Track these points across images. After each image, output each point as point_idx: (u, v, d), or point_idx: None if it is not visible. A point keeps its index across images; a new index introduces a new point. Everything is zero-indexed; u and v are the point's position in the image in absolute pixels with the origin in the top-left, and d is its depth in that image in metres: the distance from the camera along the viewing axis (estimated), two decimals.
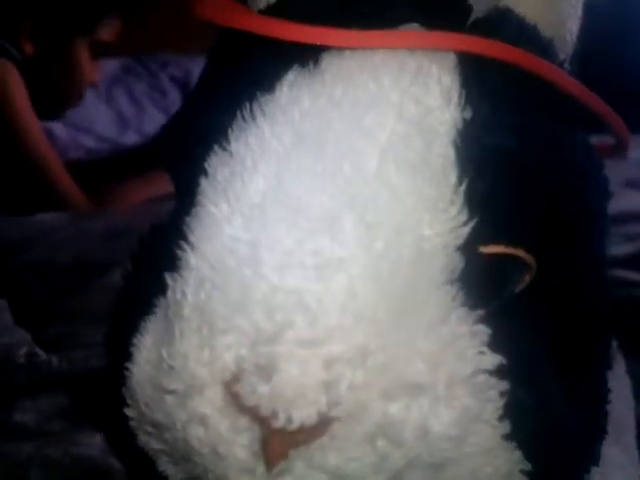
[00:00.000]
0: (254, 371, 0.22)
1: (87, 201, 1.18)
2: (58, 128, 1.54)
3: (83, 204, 1.17)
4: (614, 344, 0.42)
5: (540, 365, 0.25)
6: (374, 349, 0.22)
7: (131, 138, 1.67)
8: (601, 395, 0.28)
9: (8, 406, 0.60)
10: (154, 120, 1.70)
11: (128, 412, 0.26)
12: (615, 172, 1.07)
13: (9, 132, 1.16)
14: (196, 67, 1.84)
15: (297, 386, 0.21)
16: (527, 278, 0.26)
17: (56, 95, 1.27)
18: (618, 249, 0.88)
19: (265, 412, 0.22)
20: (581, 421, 0.26)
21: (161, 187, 1.22)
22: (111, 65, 1.67)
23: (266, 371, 0.21)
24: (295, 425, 0.21)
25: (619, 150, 0.31)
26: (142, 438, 0.26)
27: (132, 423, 0.26)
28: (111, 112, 1.73)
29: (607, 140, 0.32)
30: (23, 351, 0.67)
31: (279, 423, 0.22)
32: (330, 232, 0.22)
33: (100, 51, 1.27)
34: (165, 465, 0.26)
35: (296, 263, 0.22)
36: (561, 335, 0.27)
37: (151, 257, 0.28)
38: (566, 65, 0.28)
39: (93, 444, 0.56)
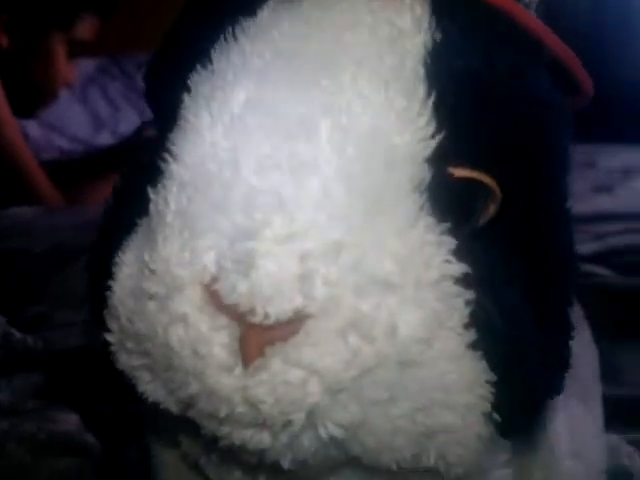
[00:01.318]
0: (233, 268, 0.23)
1: (61, 199, 1.18)
2: (32, 128, 1.53)
3: (57, 201, 1.17)
4: (579, 310, 0.44)
5: (506, 282, 0.26)
6: (346, 246, 0.23)
7: (106, 139, 1.66)
8: (564, 328, 0.29)
9: None
10: (129, 120, 1.70)
11: (109, 337, 0.27)
12: (585, 179, 1.12)
13: None
14: None
15: (274, 282, 0.22)
16: (492, 208, 0.27)
17: (31, 92, 1.26)
18: (587, 247, 0.93)
19: (243, 308, 0.23)
20: (545, 344, 0.27)
21: None
22: (86, 65, 1.67)
23: (244, 268, 0.22)
24: (272, 320, 0.22)
25: (580, 98, 0.32)
26: (123, 359, 0.27)
27: (113, 348, 0.27)
28: (86, 112, 1.73)
29: None
30: None
31: (257, 319, 0.22)
32: (305, 137, 0.24)
33: (77, 50, 1.27)
34: (145, 384, 0.27)
35: (273, 165, 0.23)
36: (525, 266, 0.28)
37: (130, 183, 0.28)
38: (531, 9, 0.30)
39: (68, 421, 0.56)
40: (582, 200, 1.14)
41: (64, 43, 1.22)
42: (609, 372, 0.64)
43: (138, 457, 0.52)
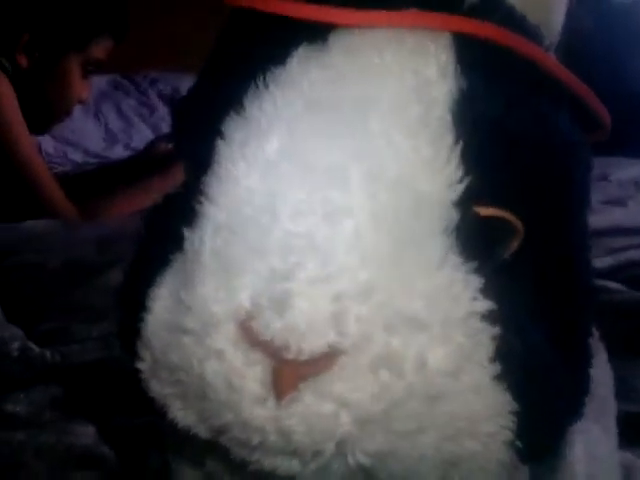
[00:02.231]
0: (268, 306, 0.24)
1: (76, 212, 1.19)
2: (46, 142, 1.55)
3: (72, 215, 1.18)
4: (596, 334, 0.44)
5: (528, 318, 0.27)
6: (377, 286, 0.24)
7: (119, 153, 1.69)
8: (585, 357, 0.30)
9: (1, 397, 0.61)
10: (142, 135, 1.72)
11: (140, 365, 0.28)
12: (598, 192, 1.12)
13: (0, 142, 1.16)
14: (184, 84, 1.87)
15: (308, 320, 0.23)
16: (515, 243, 0.28)
17: (45, 110, 1.28)
18: (600, 261, 0.93)
19: (278, 344, 0.24)
20: (566, 375, 0.28)
21: (148, 199, 1.23)
22: (100, 81, 1.69)
23: (280, 307, 0.24)
24: (305, 356, 0.24)
25: (599, 133, 0.33)
26: (154, 387, 0.28)
27: (144, 375, 0.28)
28: (99, 127, 1.75)
29: None
30: (16, 345, 0.69)
31: (291, 355, 0.24)
32: (338, 183, 0.25)
33: (91, 69, 1.29)
34: (176, 411, 0.28)
35: (308, 211, 0.24)
36: (547, 299, 0.29)
37: (164, 220, 0.30)
38: (551, 51, 0.31)
39: (85, 434, 0.57)
40: (595, 213, 1.12)
41: (79, 63, 1.24)
42: (621, 388, 0.64)
43: (156, 471, 0.53)
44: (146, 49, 1.74)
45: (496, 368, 0.25)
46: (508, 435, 0.26)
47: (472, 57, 0.28)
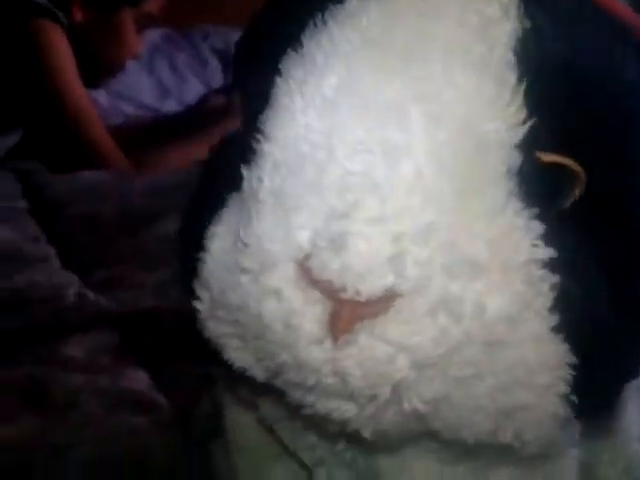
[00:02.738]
0: (326, 246, 0.23)
1: (129, 164, 1.20)
2: (99, 95, 1.56)
3: (125, 166, 1.19)
4: None
5: (590, 268, 0.27)
6: (438, 228, 0.23)
7: (171, 106, 1.69)
8: None
9: (59, 341, 0.63)
10: (194, 90, 1.72)
11: (198, 305, 0.28)
12: None
13: (54, 92, 1.17)
14: (236, 38, 1.86)
15: (366, 261, 0.23)
16: (577, 192, 0.27)
17: (99, 64, 1.29)
18: None
19: (335, 285, 0.23)
20: (626, 330, 0.28)
21: (201, 152, 1.24)
22: (153, 35, 1.69)
23: (337, 246, 0.23)
24: (363, 297, 0.23)
25: None
26: (212, 327, 0.28)
27: (201, 315, 0.28)
28: (152, 81, 1.76)
29: None
30: (72, 291, 0.70)
31: (348, 295, 0.23)
32: (397, 122, 0.24)
33: (144, 24, 1.30)
34: (233, 351, 0.28)
35: (366, 149, 0.24)
36: (609, 248, 0.28)
37: (222, 160, 0.29)
38: None
39: (139, 379, 0.58)
40: None
41: (133, 18, 1.25)
42: None
43: (207, 417, 0.54)
44: (199, 3, 1.73)
45: (555, 318, 0.25)
46: (564, 388, 0.26)
47: None
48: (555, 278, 0.25)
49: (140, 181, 1.05)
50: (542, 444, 0.27)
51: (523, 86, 0.25)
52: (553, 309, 0.25)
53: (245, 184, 0.26)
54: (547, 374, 0.26)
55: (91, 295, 0.70)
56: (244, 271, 0.25)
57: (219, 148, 0.31)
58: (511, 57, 0.25)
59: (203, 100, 1.53)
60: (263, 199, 0.25)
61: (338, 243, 0.23)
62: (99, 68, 1.31)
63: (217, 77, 1.80)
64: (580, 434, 0.33)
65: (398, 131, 0.24)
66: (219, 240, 0.27)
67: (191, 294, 0.28)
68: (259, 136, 0.26)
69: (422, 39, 0.26)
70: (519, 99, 0.25)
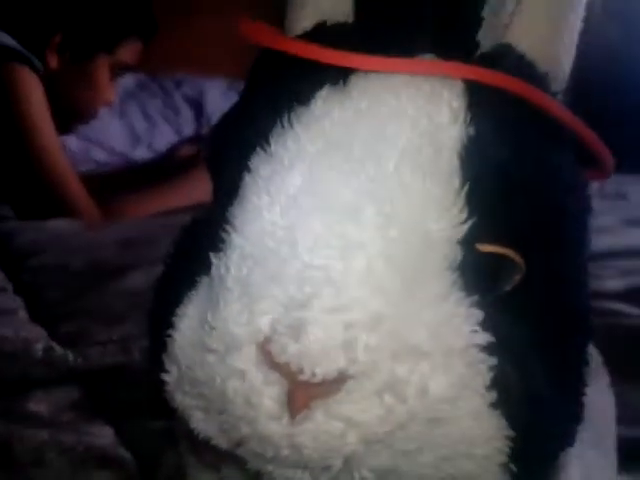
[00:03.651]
0: (285, 332, 0.26)
1: (98, 212, 1.20)
2: (70, 140, 1.58)
3: (94, 215, 1.19)
4: (599, 360, 0.46)
5: (525, 349, 0.29)
6: (386, 317, 0.26)
7: (142, 153, 1.71)
8: (579, 387, 0.32)
9: (24, 396, 0.63)
10: (165, 137, 1.74)
11: (166, 377, 0.30)
12: (616, 211, 1.10)
13: (24, 138, 1.18)
14: (209, 87, 1.90)
15: (321, 346, 0.26)
16: (516, 278, 0.30)
17: (71, 110, 1.30)
18: (614, 283, 0.93)
19: (293, 367, 0.26)
20: (559, 403, 0.30)
21: (170, 202, 1.25)
22: (126, 81, 1.71)
23: (295, 333, 0.26)
24: (318, 379, 0.26)
25: (602, 174, 0.35)
26: (179, 398, 0.30)
27: (169, 387, 0.30)
28: (124, 127, 1.77)
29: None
30: (40, 345, 0.70)
31: (304, 377, 0.26)
32: (353, 220, 0.27)
33: (119, 72, 1.32)
34: (198, 422, 0.30)
35: (324, 244, 0.27)
36: (544, 331, 0.30)
37: (192, 243, 0.32)
38: (559, 96, 0.33)
39: (104, 435, 0.59)
40: (611, 234, 1.12)
41: (108, 66, 1.26)
42: (628, 413, 0.65)
43: (171, 474, 0.55)
44: (173, 51, 1.76)
45: (492, 396, 0.28)
46: (503, 458, 0.28)
47: (482, 104, 0.30)
48: (492, 360, 0.28)
49: (109, 233, 1.06)
50: None
51: (465, 189, 0.28)
52: (490, 387, 0.27)
53: (214, 270, 0.29)
54: (486, 446, 0.28)
55: (59, 350, 0.70)
56: (210, 351, 0.28)
57: (189, 229, 0.33)
58: (456, 161, 0.28)
59: (174, 149, 1.54)
60: (230, 286, 0.28)
61: (296, 330, 0.26)
62: (71, 114, 1.31)
63: (189, 125, 1.83)
64: None
65: (353, 228, 0.27)
66: (188, 320, 0.29)
67: (160, 367, 0.30)
68: (228, 227, 0.29)
69: (379, 141, 0.28)
70: (462, 201, 0.28)
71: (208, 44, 1.76)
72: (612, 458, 0.44)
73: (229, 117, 0.33)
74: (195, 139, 1.56)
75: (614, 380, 0.45)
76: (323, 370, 0.26)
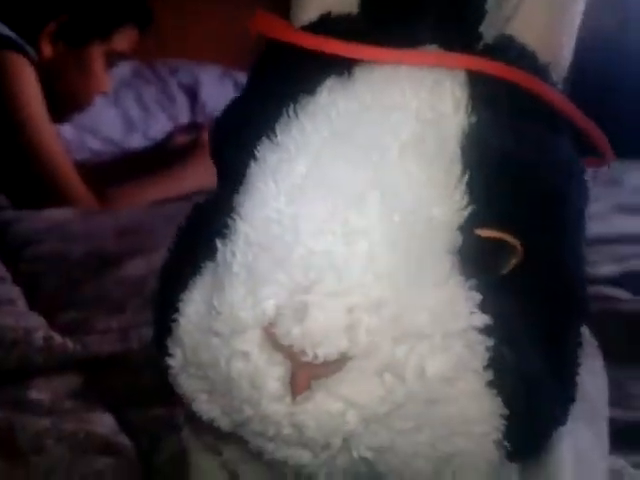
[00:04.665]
0: (289, 315, 0.27)
1: (94, 200, 1.21)
2: (65, 129, 1.58)
3: (90, 203, 1.20)
4: (593, 342, 0.47)
5: (521, 331, 0.30)
6: (388, 301, 0.27)
7: (137, 141, 1.71)
8: (573, 367, 0.33)
9: (25, 384, 0.64)
10: (161, 125, 1.74)
11: (171, 361, 0.31)
12: (609, 197, 1.12)
13: (19, 126, 1.18)
14: (204, 74, 1.89)
15: (323, 328, 0.26)
16: (514, 262, 0.31)
17: (66, 99, 1.30)
18: (606, 269, 0.95)
19: (296, 349, 0.27)
20: (554, 383, 0.31)
21: (165, 190, 1.26)
22: (121, 69, 1.70)
23: (299, 316, 0.27)
24: (320, 360, 0.27)
25: (601, 162, 0.36)
26: (183, 381, 0.31)
27: (174, 371, 0.31)
28: (119, 115, 1.77)
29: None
30: (40, 334, 0.71)
31: (307, 358, 0.27)
32: (357, 207, 0.28)
33: (114, 60, 1.31)
34: (202, 404, 0.31)
35: (328, 231, 0.27)
36: (540, 313, 0.31)
37: (197, 229, 0.32)
38: (559, 86, 0.34)
39: (104, 423, 0.60)
40: (605, 220, 1.14)
41: (103, 54, 1.26)
42: (621, 396, 0.67)
43: (169, 458, 0.56)
44: (168, 38, 1.76)
45: (489, 375, 0.28)
46: (498, 436, 0.29)
47: (484, 94, 0.30)
48: (490, 341, 0.28)
49: (106, 221, 1.07)
50: None
51: (467, 175, 0.29)
52: (487, 367, 0.28)
53: (219, 256, 0.29)
54: (482, 424, 0.29)
55: (58, 338, 0.71)
56: (216, 334, 0.28)
57: (194, 215, 0.34)
58: (458, 149, 0.29)
59: (169, 136, 1.54)
60: (236, 272, 0.28)
61: (300, 313, 0.27)
62: (67, 103, 1.31)
63: (184, 113, 1.82)
64: (519, 474, 0.37)
65: (357, 215, 0.28)
66: (194, 304, 0.30)
67: (165, 351, 0.31)
68: (234, 214, 0.30)
69: (383, 131, 0.29)
70: (462, 187, 0.29)
71: (203, 31, 1.76)
72: (604, 438, 0.45)
73: (235, 106, 0.34)
74: (190, 127, 1.56)
75: (608, 363, 0.46)
76: (325, 351, 0.26)
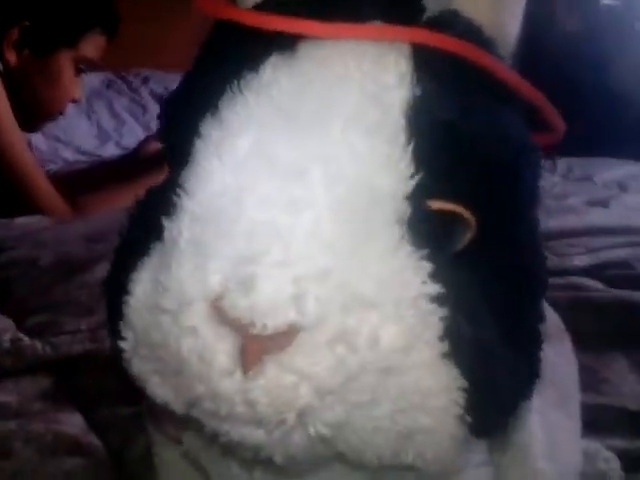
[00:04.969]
0: (236, 288, 0.26)
1: (66, 208, 1.20)
2: (38, 139, 1.57)
3: (63, 211, 1.19)
4: (561, 326, 0.47)
5: (477, 303, 0.30)
6: (334, 270, 0.27)
7: (111, 151, 1.70)
8: (534, 342, 0.33)
9: None
10: (133, 134, 1.74)
11: (123, 344, 0.31)
12: (582, 192, 1.16)
13: None
14: (175, 83, 1.87)
15: (271, 299, 0.26)
16: (468, 236, 0.31)
17: (36, 108, 1.28)
18: (580, 260, 0.98)
19: (244, 321, 0.26)
20: (513, 355, 0.31)
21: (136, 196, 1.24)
22: (93, 79, 1.70)
23: (246, 288, 0.26)
24: (268, 332, 0.26)
25: (552, 138, 0.36)
26: (136, 364, 0.30)
27: (126, 354, 0.31)
28: (91, 125, 1.77)
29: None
30: (8, 336, 0.70)
31: (255, 330, 0.26)
32: (300, 180, 0.28)
33: (83, 68, 1.30)
34: (155, 387, 0.30)
35: (272, 202, 0.27)
36: (497, 287, 0.31)
37: (144, 211, 0.32)
38: (506, 60, 0.34)
39: (73, 423, 0.59)
40: (576, 214, 1.18)
41: (71, 61, 1.25)
42: (595, 382, 0.67)
43: (139, 456, 0.56)
44: (139, 48, 1.76)
45: (444, 346, 0.28)
46: (458, 410, 0.29)
47: (429, 66, 0.30)
48: (444, 311, 0.28)
49: (76, 228, 1.06)
50: (443, 463, 0.30)
51: (412, 145, 0.29)
52: (442, 338, 0.28)
53: (166, 234, 0.29)
54: (441, 397, 0.28)
55: (26, 340, 0.70)
56: (164, 312, 0.28)
57: (143, 199, 0.33)
58: (402, 120, 0.29)
59: (142, 144, 1.53)
60: (181, 248, 0.28)
61: (247, 285, 0.26)
62: (36, 112, 1.29)
63: (156, 121, 1.82)
64: (489, 451, 0.36)
65: (301, 187, 0.27)
66: (142, 284, 0.29)
67: (117, 335, 0.31)
68: (180, 191, 0.29)
69: (325, 106, 0.29)
70: (408, 157, 0.29)
71: (173, 40, 1.76)
72: (576, 420, 0.45)
73: (181, 86, 0.33)
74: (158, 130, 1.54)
75: (580, 351, 0.47)
76: (273, 322, 0.26)
